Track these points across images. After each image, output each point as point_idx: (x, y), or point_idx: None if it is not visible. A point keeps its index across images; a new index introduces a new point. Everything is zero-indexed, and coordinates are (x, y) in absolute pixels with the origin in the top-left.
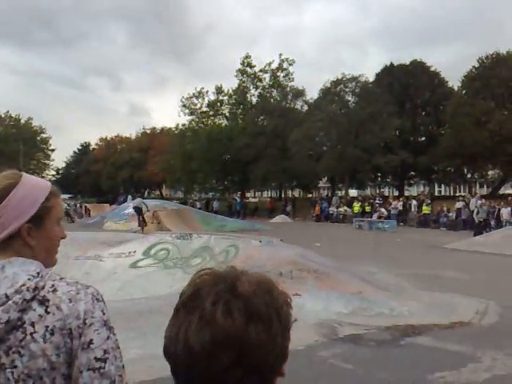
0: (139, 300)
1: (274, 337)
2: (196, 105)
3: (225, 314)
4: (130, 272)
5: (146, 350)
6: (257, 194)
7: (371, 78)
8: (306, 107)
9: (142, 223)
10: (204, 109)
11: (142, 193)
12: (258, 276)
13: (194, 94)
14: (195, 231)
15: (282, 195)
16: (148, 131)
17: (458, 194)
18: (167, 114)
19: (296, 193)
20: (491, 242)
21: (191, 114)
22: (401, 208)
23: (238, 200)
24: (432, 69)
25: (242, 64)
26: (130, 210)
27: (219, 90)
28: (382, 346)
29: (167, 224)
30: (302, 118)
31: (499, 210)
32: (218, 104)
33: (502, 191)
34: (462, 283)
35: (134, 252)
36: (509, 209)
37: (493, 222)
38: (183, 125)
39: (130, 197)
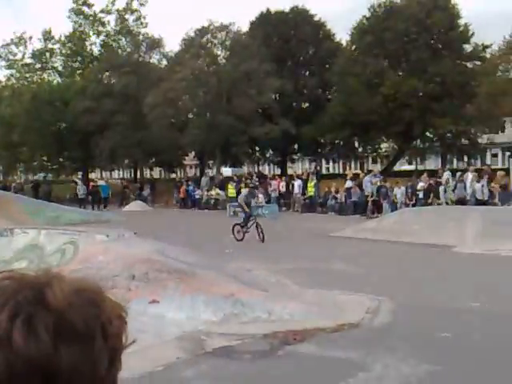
0: None
1: (97, 361)
2: (16, 55)
3: (26, 332)
4: None
5: None
6: (104, 174)
7: (245, 28)
8: (164, 62)
9: None
10: (27, 60)
11: None
12: (79, 282)
13: (12, 40)
14: (19, 225)
15: (138, 176)
16: None
17: (347, 172)
18: None
19: (156, 173)
20: (384, 227)
21: (9, 67)
22: (283, 190)
23: (80, 183)
24: (316, 18)
25: (74, 2)
26: None
27: (47, 36)
28: (259, 358)
29: None
30: (161, 76)
31: (392, 189)
32: (47, 54)
33: (396, 167)
34: (350, 277)
35: None
36: (403, 188)
37: (386, 204)
38: None
39: None
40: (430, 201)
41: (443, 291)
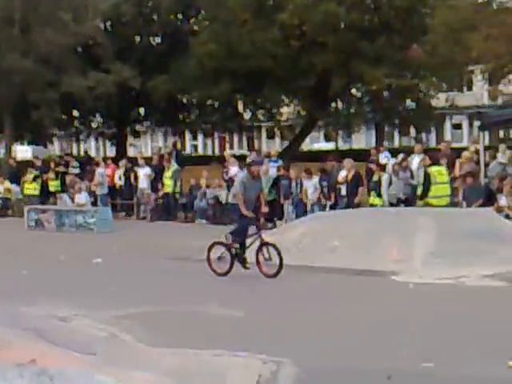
0: None
1: None
2: None
3: None
4: None
5: None
6: None
7: None
8: None
9: None
10: None
11: None
12: None
13: None
14: None
15: None
16: None
17: (226, 153)
18: None
19: None
20: (286, 243)
21: None
22: (120, 183)
23: None
24: None
25: None
26: None
27: None
28: None
29: None
30: None
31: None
32: None
33: (306, 146)
34: (233, 327)
35: None
36: (316, 180)
37: (289, 206)
38: None
39: None
40: (357, 200)
41: (377, 346)
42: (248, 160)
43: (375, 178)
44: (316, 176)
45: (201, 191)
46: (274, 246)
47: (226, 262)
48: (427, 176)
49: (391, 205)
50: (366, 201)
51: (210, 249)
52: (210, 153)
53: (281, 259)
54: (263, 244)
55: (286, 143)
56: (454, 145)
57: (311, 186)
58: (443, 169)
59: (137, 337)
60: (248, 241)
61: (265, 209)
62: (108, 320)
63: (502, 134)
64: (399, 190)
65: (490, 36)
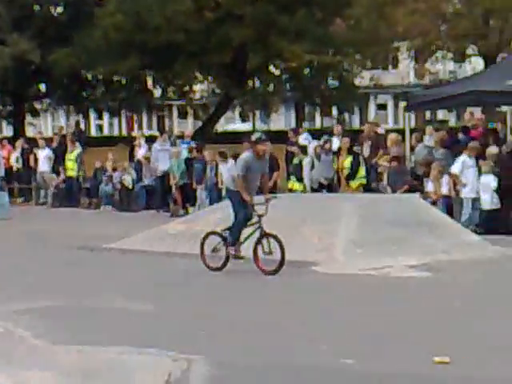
0: None
1: None
2: None
3: None
4: None
5: None
6: None
7: None
8: None
9: None
10: None
11: None
12: None
13: None
14: None
15: None
16: None
17: (136, 134)
18: None
19: None
20: (200, 231)
21: None
22: (18, 165)
23: None
24: None
25: None
26: None
27: None
28: None
29: None
30: None
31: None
32: None
33: (221, 127)
34: (139, 321)
35: None
36: (231, 163)
37: (202, 191)
38: None
39: None
40: (271, 184)
41: (294, 342)
42: (253, 137)
43: (295, 161)
44: (232, 159)
45: (106, 175)
46: (275, 237)
47: (221, 256)
48: (357, 157)
49: (313, 190)
50: (285, 186)
51: (203, 240)
52: (116, 133)
53: (283, 253)
54: (264, 235)
55: (200, 123)
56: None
57: (226, 170)
58: None
59: (36, 333)
60: (247, 230)
61: (268, 195)
62: (5, 315)
63: (428, 115)
64: (322, 174)
65: (416, 10)
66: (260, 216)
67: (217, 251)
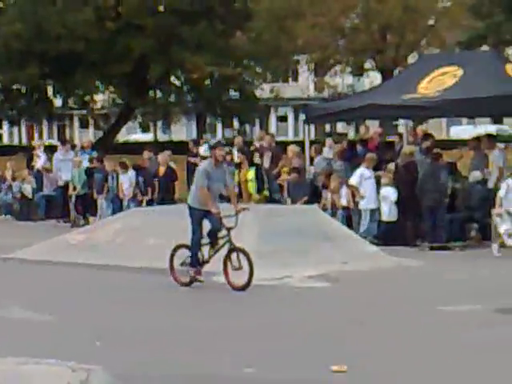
0: None
1: None
2: None
3: None
4: None
5: None
6: None
7: None
8: None
9: None
10: None
11: None
12: None
13: None
14: None
15: None
16: None
17: (35, 143)
18: None
19: None
20: (100, 241)
21: None
22: None
23: None
24: None
25: None
26: None
27: None
28: None
29: None
30: None
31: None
32: None
33: (123, 137)
34: (40, 331)
35: None
36: (132, 174)
37: (103, 201)
38: None
39: None
40: (176, 195)
41: (200, 353)
42: (211, 142)
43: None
44: (132, 170)
45: (6, 184)
46: (243, 252)
47: (188, 271)
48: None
49: None
50: (186, 197)
51: (173, 252)
52: (16, 142)
53: (251, 269)
54: (233, 249)
55: (101, 133)
56: (280, 138)
57: (127, 181)
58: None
59: None
60: (217, 244)
61: (238, 207)
62: None
63: (328, 127)
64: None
65: (316, 24)
66: (229, 229)
67: (186, 265)
